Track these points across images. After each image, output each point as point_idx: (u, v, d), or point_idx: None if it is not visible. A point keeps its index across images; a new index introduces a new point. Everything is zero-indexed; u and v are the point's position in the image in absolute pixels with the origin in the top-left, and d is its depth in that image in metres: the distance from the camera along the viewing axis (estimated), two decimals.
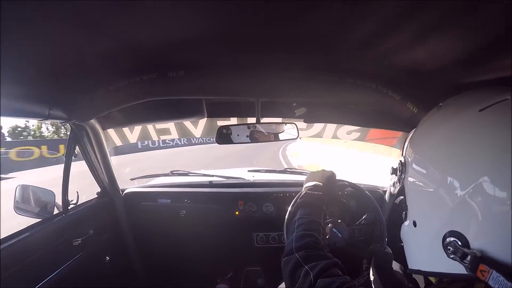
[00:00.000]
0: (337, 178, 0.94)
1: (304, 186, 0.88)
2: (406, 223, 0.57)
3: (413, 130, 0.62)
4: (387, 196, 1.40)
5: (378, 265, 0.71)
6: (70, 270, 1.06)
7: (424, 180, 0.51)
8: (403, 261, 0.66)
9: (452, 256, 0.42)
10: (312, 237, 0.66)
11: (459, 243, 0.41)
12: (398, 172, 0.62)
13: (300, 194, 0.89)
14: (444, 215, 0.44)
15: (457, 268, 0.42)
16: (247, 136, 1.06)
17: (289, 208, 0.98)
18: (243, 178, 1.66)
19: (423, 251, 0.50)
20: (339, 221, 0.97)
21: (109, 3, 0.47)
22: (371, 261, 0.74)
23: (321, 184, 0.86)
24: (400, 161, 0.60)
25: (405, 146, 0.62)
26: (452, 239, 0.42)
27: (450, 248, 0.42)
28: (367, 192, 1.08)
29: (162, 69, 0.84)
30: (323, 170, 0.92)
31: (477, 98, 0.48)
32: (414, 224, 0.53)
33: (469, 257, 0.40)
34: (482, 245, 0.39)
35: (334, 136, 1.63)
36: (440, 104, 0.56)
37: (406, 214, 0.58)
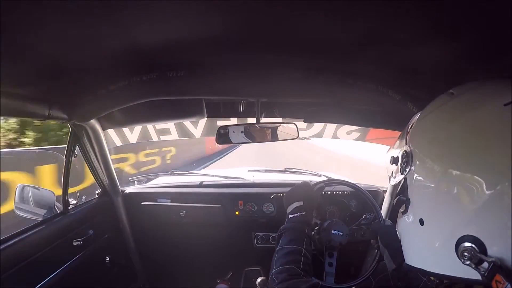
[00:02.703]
0: (312, 184, 0.92)
1: (287, 213, 0.84)
2: (409, 219, 0.52)
3: (418, 114, 0.55)
4: (388, 191, 1.39)
5: (385, 242, 0.74)
6: (70, 270, 1.06)
7: (436, 176, 0.45)
8: None
9: (468, 262, 0.39)
10: (288, 271, 0.69)
11: (476, 249, 0.38)
12: (401, 163, 0.54)
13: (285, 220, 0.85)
14: (461, 218, 0.41)
15: (465, 272, 0.40)
16: (247, 136, 1.06)
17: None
18: (243, 178, 1.66)
19: (430, 252, 0.47)
20: (334, 220, 0.97)
21: (110, 4, 0.47)
22: (378, 240, 0.77)
23: (301, 202, 0.81)
24: (405, 151, 0.52)
25: (409, 134, 0.54)
26: (468, 244, 0.39)
27: (466, 254, 0.39)
28: (351, 183, 1.07)
29: (162, 69, 0.84)
30: (296, 186, 0.89)
31: (499, 90, 0.44)
32: (421, 222, 0.48)
33: (486, 264, 0.37)
34: (500, 254, 0.37)
35: (334, 136, 1.63)
36: (451, 91, 0.50)
37: (407, 207, 0.53)
